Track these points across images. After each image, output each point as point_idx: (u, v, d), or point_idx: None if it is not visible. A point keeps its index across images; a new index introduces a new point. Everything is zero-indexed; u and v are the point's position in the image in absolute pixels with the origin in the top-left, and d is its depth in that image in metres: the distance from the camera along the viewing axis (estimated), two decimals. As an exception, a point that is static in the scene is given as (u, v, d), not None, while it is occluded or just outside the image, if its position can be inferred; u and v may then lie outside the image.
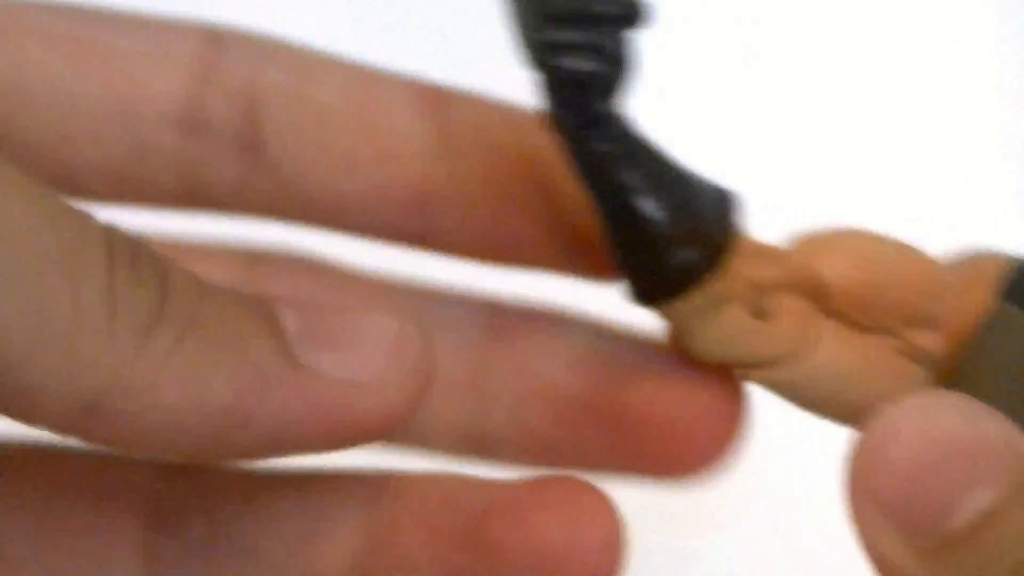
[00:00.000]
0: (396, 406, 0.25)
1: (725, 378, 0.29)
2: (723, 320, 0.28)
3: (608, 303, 0.30)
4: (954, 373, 0.28)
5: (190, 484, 0.29)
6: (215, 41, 0.28)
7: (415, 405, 0.25)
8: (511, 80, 0.28)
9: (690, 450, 0.29)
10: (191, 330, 0.23)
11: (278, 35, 0.29)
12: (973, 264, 0.28)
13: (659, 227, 0.27)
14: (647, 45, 0.26)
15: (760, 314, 0.28)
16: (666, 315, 0.28)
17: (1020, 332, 0.27)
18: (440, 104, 0.28)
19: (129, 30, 0.28)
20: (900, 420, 0.23)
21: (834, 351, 0.28)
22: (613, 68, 0.26)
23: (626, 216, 0.27)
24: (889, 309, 0.28)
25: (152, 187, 0.28)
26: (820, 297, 0.28)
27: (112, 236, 0.23)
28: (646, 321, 0.29)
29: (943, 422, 0.23)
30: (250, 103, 0.28)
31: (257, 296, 0.24)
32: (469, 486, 0.27)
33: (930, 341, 0.28)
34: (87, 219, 0.23)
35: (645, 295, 0.28)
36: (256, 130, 0.28)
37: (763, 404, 0.29)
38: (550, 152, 0.27)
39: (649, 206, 0.27)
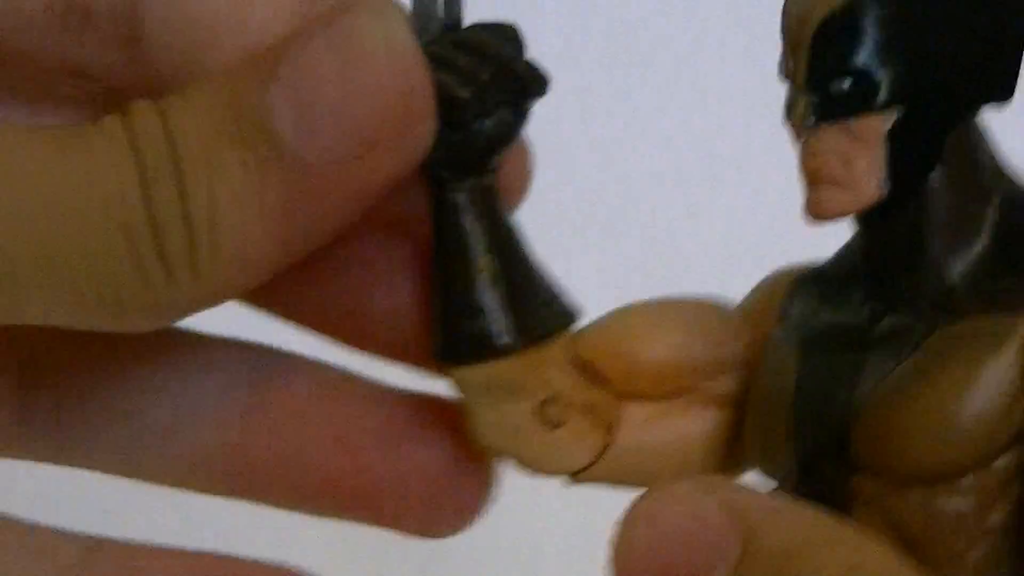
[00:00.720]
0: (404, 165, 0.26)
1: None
2: (507, 411, 0.28)
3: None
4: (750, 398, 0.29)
5: (68, 345, 0.29)
6: None
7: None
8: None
9: (439, 512, 0.30)
10: (216, 228, 0.24)
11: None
12: (764, 292, 0.29)
13: (476, 289, 0.27)
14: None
15: (554, 421, 0.28)
16: (456, 381, 0.28)
17: (776, 345, 0.28)
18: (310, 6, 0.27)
19: None
20: (640, 508, 0.24)
21: (634, 436, 0.29)
22: (484, 107, 0.26)
23: (452, 267, 0.27)
24: (681, 379, 0.29)
25: (35, 67, 0.28)
26: (616, 384, 0.29)
27: (143, 172, 0.24)
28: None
29: (669, 514, 0.24)
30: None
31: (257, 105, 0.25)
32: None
33: (731, 383, 0.29)
34: (116, 155, 0.24)
35: (442, 352, 0.28)
36: (136, 25, 0.27)
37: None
38: None
39: (478, 266, 0.27)
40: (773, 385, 0.28)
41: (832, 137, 0.25)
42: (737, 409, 0.29)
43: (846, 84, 0.25)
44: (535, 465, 0.28)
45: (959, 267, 0.26)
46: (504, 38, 0.26)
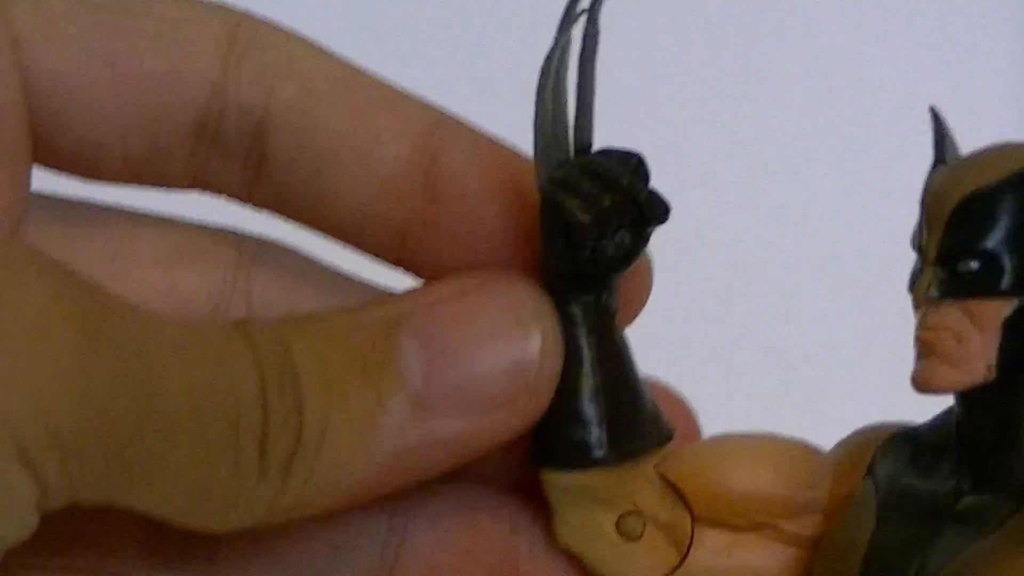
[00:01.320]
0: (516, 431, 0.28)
1: None
2: (590, 516, 0.29)
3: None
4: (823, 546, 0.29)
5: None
6: (235, 41, 0.28)
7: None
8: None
9: None
10: (321, 452, 0.25)
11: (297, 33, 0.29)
12: (858, 444, 0.29)
13: (582, 403, 0.28)
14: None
15: (631, 535, 0.29)
16: (547, 483, 0.29)
17: (859, 500, 0.28)
18: (438, 143, 0.29)
19: (157, 19, 0.28)
20: None
21: (706, 561, 0.29)
22: (603, 232, 0.27)
23: (560, 376, 0.28)
24: (760, 513, 0.29)
25: (165, 180, 0.29)
26: (698, 508, 0.29)
27: (264, 378, 0.25)
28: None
29: None
30: (261, 121, 0.28)
31: (384, 342, 0.26)
32: None
33: (809, 526, 0.29)
34: (241, 359, 0.25)
35: (538, 454, 0.29)
36: (262, 146, 0.28)
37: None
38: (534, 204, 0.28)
39: (583, 380, 0.28)
40: (848, 539, 0.28)
41: (951, 314, 0.26)
42: (811, 551, 0.29)
43: (974, 265, 0.26)
44: (607, 571, 0.29)
45: None
46: (629, 166, 0.28)
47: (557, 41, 0.27)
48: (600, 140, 0.28)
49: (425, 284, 0.29)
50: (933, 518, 0.27)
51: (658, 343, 0.31)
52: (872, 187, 0.60)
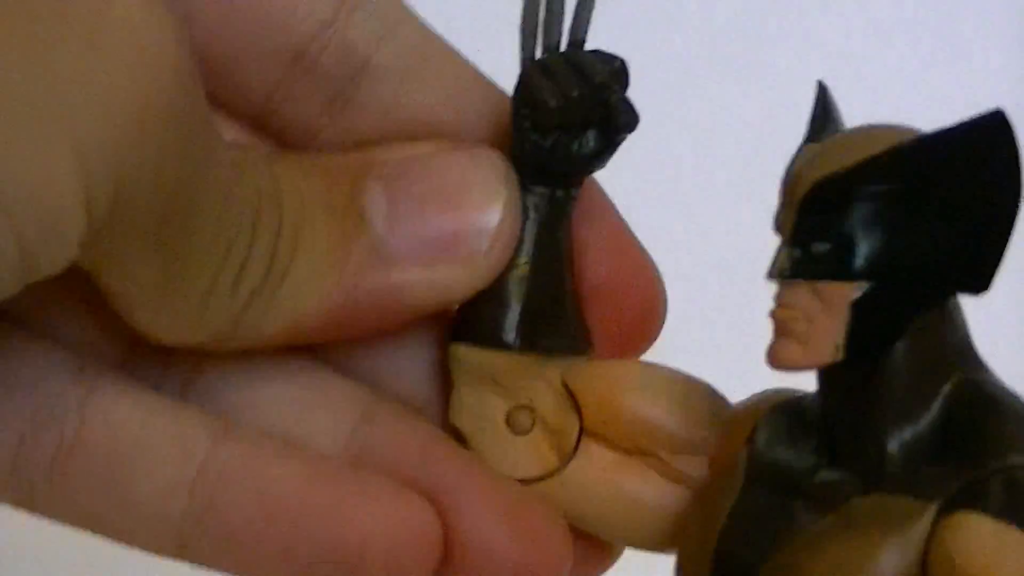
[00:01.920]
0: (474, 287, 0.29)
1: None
2: (483, 399, 0.30)
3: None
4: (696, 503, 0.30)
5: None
6: None
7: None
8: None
9: None
10: (287, 276, 0.26)
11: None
12: (754, 406, 0.30)
13: (506, 283, 0.29)
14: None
15: (518, 428, 0.30)
16: (453, 356, 0.30)
17: (730, 467, 0.29)
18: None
19: None
20: None
21: (585, 473, 0.30)
22: (567, 120, 0.28)
23: None
24: (650, 441, 0.30)
25: (243, 92, 0.29)
26: (589, 421, 0.30)
27: (257, 203, 0.26)
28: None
29: None
30: (359, 70, 0.29)
31: (351, 185, 0.27)
32: None
33: (693, 466, 0.30)
34: (245, 178, 0.26)
35: (455, 329, 0.30)
36: (352, 93, 0.29)
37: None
38: None
39: (520, 264, 0.29)
40: (714, 504, 0.29)
41: (802, 294, 0.26)
42: (690, 492, 0.30)
43: (825, 247, 0.26)
44: (487, 457, 0.30)
45: (899, 440, 0.27)
46: (610, 68, 0.28)
47: None
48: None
49: (400, 142, 0.29)
50: (790, 492, 0.28)
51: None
52: None
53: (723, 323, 0.65)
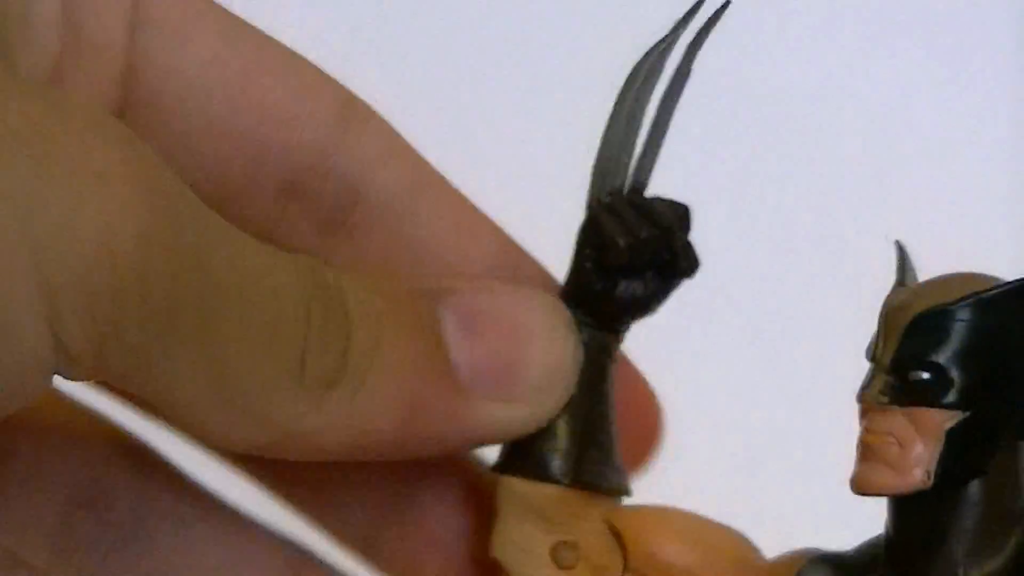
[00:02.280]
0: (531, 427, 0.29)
1: None
2: (530, 534, 0.30)
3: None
4: None
5: (126, 476, 0.30)
6: (348, 114, 0.29)
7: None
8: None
9: None
10: (365, 385, 0.26)
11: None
12: (785, 559, 0.30)
13: (558, 424, 0.29)
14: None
15: (562, 564, 0.30)
16: (502, 487, 0.30)
17: None
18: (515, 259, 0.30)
19: (284, 70, 0.29)
20: None
21: None
22: (633, 263, 0.28)
23: None
24: None
25: (237, 213, 0.29)
26: (636, 565, 0.30)
27: (311, 293, 0.25)
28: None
29: None
30: (356, 197, 0.29)
31: (427, 308, 0.27)
32: None
33: None
34: (290, 270, 0.25)
35: (504, 459, 0.30)
36: (349, 218, 0.29)
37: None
38: None
39: (572, 400, 0.29)
40: None
41: (896, 420, 0.27)
42: None
43: (924, 375, 0.27)
44: None
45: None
46: (675, 213, 0.29)
47: (665, 37, 0.28)
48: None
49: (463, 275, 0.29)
50: None
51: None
52: (868, 193, 0.60)
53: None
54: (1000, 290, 0.27)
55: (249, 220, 0.29)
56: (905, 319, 0.27)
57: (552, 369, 0.28)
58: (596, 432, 0.30)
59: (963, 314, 0.27)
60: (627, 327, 0.30)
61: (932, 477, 0.27)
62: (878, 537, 0.29)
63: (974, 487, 0.28)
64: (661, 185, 0.29)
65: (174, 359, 0.23)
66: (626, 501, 0.31)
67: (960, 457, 0.27)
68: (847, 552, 0.30)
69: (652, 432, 0.32)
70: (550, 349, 0.28)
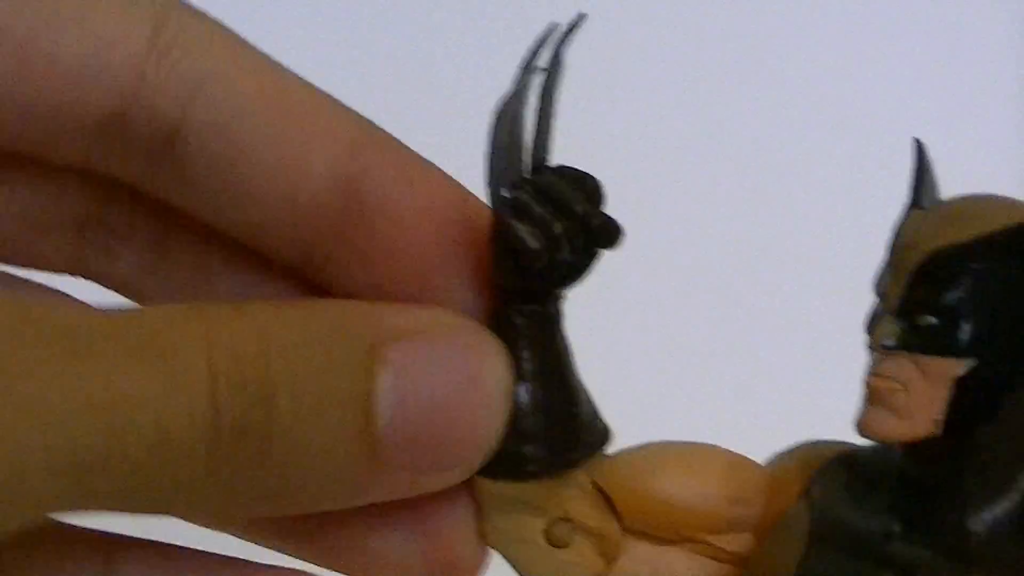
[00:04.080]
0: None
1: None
2: (520, 522, 0.29)
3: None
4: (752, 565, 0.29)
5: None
6: (159, 37, 0.27)
7: None
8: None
9: None
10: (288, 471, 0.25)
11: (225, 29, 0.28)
12: (797, 461, 0.29)
13: (520, 416, 0.27)
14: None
15: (559, 542, 0.29)
16: (479, 489, 0.28)
17: (792, 522, 0.28)
18: (365, 160, 0.28)
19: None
20: None
21: (631, 570, 0.29)
22: (553, 262, 0.27)
23: None
24: (690, 526, 0.29)
25: (55, 162, 0.28)
26: (626, 518, 0.29)
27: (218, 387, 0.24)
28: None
29: None
30: (175, 129, 0.27)
31: (364, 374, 0.25)
32: None
33: (739, 542, 0.29)
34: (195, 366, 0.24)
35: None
36: (172, 151, 0.27)
37: None
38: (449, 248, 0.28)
39: (522, 392, 0.28)
40: (775, 563, 0.28)
41: (903, 365, 0.26)
42: (739, 568, 0.29)
43: (933, 320, 0.26)
44: (533, 574, 0.29)
45: (984, 521, 0.26)
46: (584, 190, 0.27)
47: (515, 85, 0.27)
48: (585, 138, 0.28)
49: (393, 306, 0.27)
50: (862, 556, 0.27)
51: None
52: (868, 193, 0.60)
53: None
54: (1012, 230, 0.26)
55: (71, 159, 0.27)
56: (916, 258, 0.26)
57: (486, 437, 0.27)
58: (560, 406, 0.28)
59: (975, 256, 0.26)
60: (564, 292, 0.29)
61: (940, 426, 0.26)
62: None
63: (985, 432, 0.27)
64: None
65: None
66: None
67: (969, 404, 0.26)
68: (861, 452, 0.29)
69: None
70: (487, 415, 0.27)
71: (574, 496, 0.29)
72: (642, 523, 0.29)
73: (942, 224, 0.26)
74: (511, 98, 0.27)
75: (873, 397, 0.27)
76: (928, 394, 0.26)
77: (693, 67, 0.68)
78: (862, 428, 0.27)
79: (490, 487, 0.28)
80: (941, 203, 0.27)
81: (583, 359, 0.29)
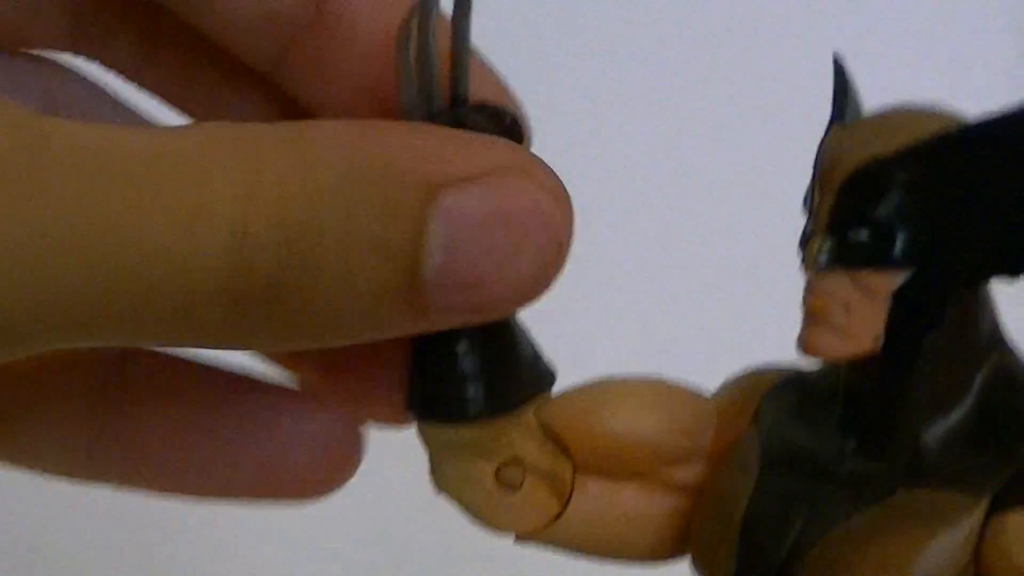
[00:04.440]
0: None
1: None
2: (468, 467, 0.28)
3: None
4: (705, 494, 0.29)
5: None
6: None
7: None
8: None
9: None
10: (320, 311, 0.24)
11: None
12: (743, 388, 0.29)
13: (460, 357, 0.27)
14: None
15: (511, 484, 0.28)
16: (423, 434, 0.28)
17: (742, 450, 0.28)
18: None
19: None
20: None
21: (585, 508, 0.29)
22: None
23: (439, 335, 0.27)
24: (642, 460, 0.29)
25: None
26: (577, 456, 0.29)
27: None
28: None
29: None
30: None
31: (415, 217, 0.24)
32: None
33: (692, 473, 0.29)
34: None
35: (416, 406, 0.27)
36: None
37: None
38: None
39: (460, 334, 0.27)
40: (730, 489, 0.28)
41: (839, 282, 0.26)
42: (695, 499, 0.29)
43: (864, 234, 0.25)
44: (485, 520, 0.29)
45: (936, 432, 0.26)
46: (505, 128, 0.27)
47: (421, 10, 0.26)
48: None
49: (455, 138, 0.25)
50: (816, 477, 0.27)
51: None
52: None
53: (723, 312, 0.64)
54: (942, 137, 0.25)
55: (52, 38, 0.28)
56: (841, 174, 0.26)
57: (531, 283, 0.25)
58: (499, 345, 0.27)
59: (901, 166, 0.25)
60: None
61: (881, 340, 0.26)
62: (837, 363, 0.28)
63: (928, 343, 0.26)
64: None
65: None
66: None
67: (909, 316, 0.26)
68: (809, 374, 0.29)
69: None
70: (538, 273, 0.25)
71: (522, 437, 0.28)
72: (594, 461, 0.29)
73: (867, 137, 0.26)
74: (418, 19, 0.26)
75: (813, 316, 0.26)
76: (867, 309, 0.26)
77: (685, 51, 0.67)
78: (804, 348, 0.26)
79: (436, 433, 0.28)
80: (863, 118, 0.27)
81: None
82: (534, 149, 0.27)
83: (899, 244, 0.25)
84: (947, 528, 0.25)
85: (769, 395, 0.28)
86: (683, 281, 0.62)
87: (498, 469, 0.28)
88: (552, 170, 0.25)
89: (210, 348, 0.24)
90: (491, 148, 0.25)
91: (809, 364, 0.29)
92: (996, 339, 0.27)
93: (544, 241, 0.24)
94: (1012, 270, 0.26)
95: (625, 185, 0.63)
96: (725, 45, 0.65)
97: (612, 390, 0.29)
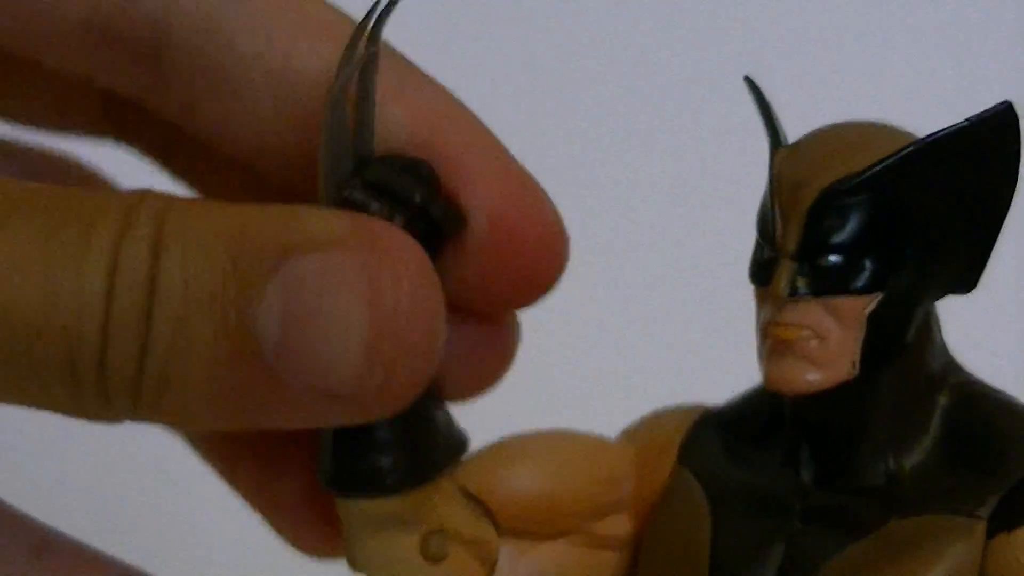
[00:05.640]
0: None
1: None
2: (390, 542, 0.27)
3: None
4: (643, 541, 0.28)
5: None
6: None
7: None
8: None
9: None
10: (169, 383, 0.23)
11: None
12: (662, 430, 0.28)
13: (374, 427, 0.26)
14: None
15: (436, 556, 0.27)
16: (341, 510, 0.27)
17: (683, 493, 0.27)
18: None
19: None
20: None
21: (516, 570, 0.28)
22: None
23: None
24: (564, 516, 0.28)
25: (59, 81, 0.28)
26: (499, 518, 0.28)
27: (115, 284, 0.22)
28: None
29: None
30: (161, 26, 0.26)
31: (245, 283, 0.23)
32: None
33: (617, 525, 0.28)
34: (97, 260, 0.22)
35: (332, 482, 0.26)
36: (161, 52, 0.26)
37: None
38: None
39: None
40: (683, 535, 0.27)
41: (811, 311, 0.25)
42: (631, 551, 0.28)
43: (836, 259, 0.25)
44: None
45: (909, 458, 0.26)
46: (417, 178, 0.26)
47: (341, 74, 0.25)
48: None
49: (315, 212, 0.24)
50: (780, 515, 0.26)
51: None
52: None
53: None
54: (903, 155, 0.24)
55: (60, 67, 0.27)
56: (808, 199, 0.25)
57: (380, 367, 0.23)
58: (414, 413, 0.26)
59: (870, 187, 0.24)
60: None
61: (857, 365, 0.25)
62: (756, 393, 0.27)
63: (894, 366, 0.26)
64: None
65: None
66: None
67: (883, 339, 0.25)
68: (725, 410, 0.28)
69: (551, 238, 0.27)
70: (394, 350, 0.23)
71: (443, 504, 0.27)
72: (516, 522, 0.27)
73: (824, 160, 0.25)
74: (335, 93, 0.25)
75: (782, 348, 0.25)
76: (843, 336, 0.25)
77: (684, 50, 0.66)
78: (779, 383, 0.25)
79: (353, 507, 0.26)
80: (812, 137, 0.26)
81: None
82: (529, 159, 0.27)
83: (870, 267, 0.25)
84: (952, 550, 0.24)
85: (690, 435, 0.28)
86: (676, 293, 0.62)
87: (422, 540, 0.27)
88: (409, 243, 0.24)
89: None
90: (350, 218, 0.24)
91: (717, 401, 0.28)
92: (947, 359, 0.27)
93: (402, 312, 0.23)
94: (963, 287, 0.26)
95: (620, 196, 0.62)
96: (724, 52, 0.64)
97: (524, 448, 0.28)
